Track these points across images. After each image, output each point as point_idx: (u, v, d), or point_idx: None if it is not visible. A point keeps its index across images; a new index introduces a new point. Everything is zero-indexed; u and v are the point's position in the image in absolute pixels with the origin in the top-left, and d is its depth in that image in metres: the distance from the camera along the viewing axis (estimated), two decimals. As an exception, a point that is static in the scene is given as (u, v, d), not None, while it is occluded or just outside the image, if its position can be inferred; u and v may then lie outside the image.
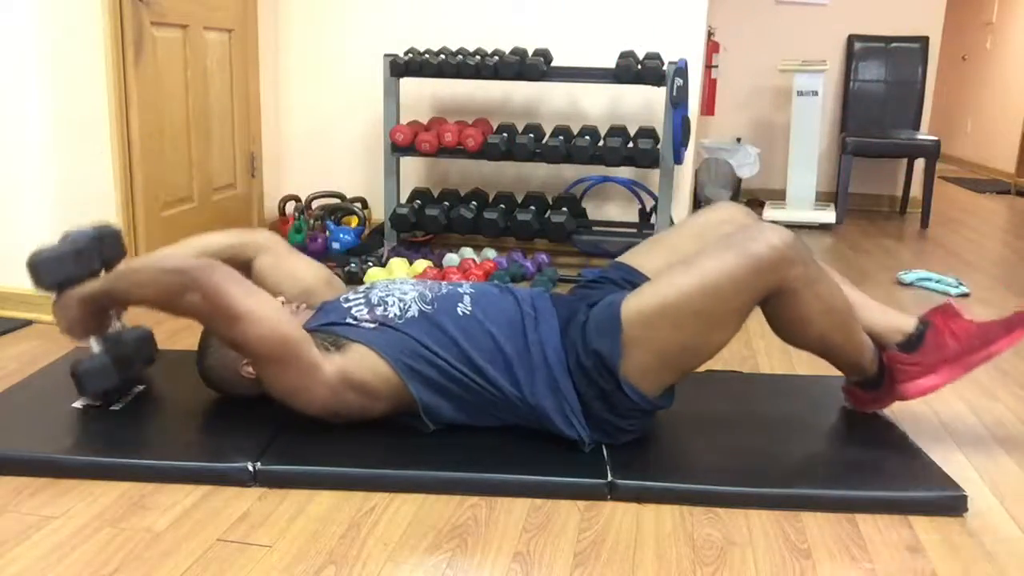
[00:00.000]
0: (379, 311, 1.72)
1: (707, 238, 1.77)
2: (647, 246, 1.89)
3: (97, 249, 1.80)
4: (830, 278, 1.68)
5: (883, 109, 4.97)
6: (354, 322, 1.71)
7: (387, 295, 1.76)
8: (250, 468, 1.59)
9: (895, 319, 1.81)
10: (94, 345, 1.78)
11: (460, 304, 1.73)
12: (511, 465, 1.62)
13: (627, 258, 1.88)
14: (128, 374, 1.84)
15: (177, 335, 2.42)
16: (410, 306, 1.73)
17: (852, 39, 4.97)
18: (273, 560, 1.37)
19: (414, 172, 3.76)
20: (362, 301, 1.76)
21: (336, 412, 1.69)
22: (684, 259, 1.64)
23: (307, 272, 1.92)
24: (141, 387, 1.94)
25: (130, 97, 2.70)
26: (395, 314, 1.71)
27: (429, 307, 1.72)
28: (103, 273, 1.81)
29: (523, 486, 1.59)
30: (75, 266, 1.73)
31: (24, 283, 2.48)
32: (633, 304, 1.62)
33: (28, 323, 2.47)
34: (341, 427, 1.72)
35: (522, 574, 1.35)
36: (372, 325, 1.70)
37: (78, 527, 1.44)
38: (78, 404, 1.83)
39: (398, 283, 1.82)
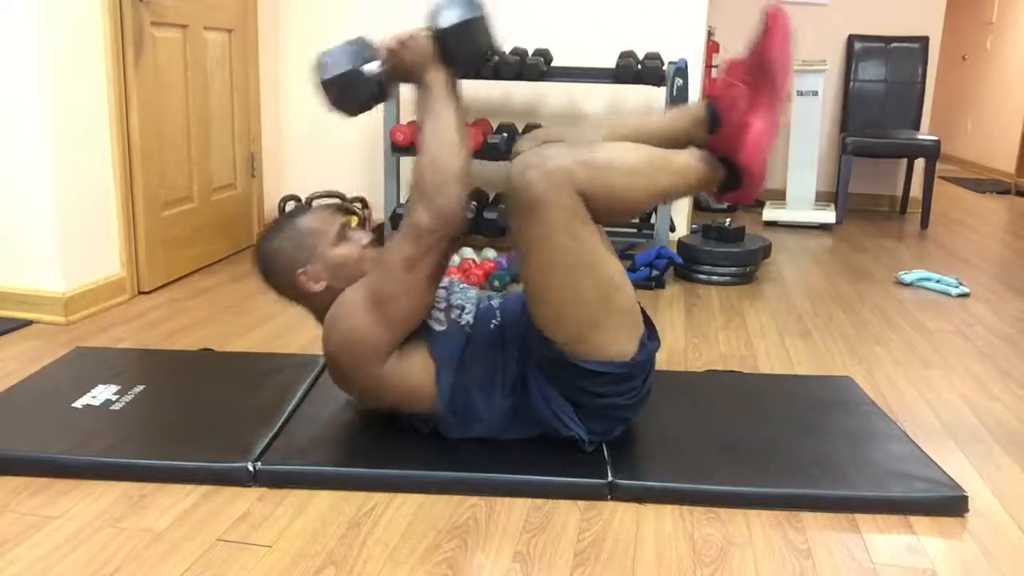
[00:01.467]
0: (454, 314, 1.70)
1: None
2: None
3: (480, 44, 1.65)
4: (611, 149, 1.59)
5: (883, 109, 4.97)
6: (427, 318, 1.68)
7: (465, 302, 1.74)
8: (250, 468, 1.59)
9: (688, 115, 1.71)
10: (378, 65, 1.64)
11: (494, 320, 1.72)
12: (511, 465, 1.62)
13: None
14: (366, 98, 1.67)
15: (176, 335, 2.42)
16: (470, 320, 1.71)
17: (852, 39, 4.97)
18: (273, 560, 1.37)
19: (414, 172, 3.76)
20: (443, 296, 1.73)
21: (344, 381, 1.67)
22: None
23: None
24: (141, 387, 1.94)
25: (130, 97, 2.70)
26: (467, 322, 1.70)
27: (474, 322, 1.71)
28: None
29: (523, 486, 1.59)
30: (467, 37, 1.61)
31: (24, 283, 2.50)
32: (528, 301, 1.62)
33: (28, 323, 2.47)
34: (341, 427, 1.72)
35: (522, 574, 1.35)
36: (442, 326, 1.68)
37: (78, 527, 1.44)
38: (78, 404, 1.83)
39: (465, 290, 1.80)
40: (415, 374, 1.64)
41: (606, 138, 1.68)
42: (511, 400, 1.67)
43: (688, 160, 1.62)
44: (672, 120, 1.73)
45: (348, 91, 1.63)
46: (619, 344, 1.61)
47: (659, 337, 1.73)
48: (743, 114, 1.60)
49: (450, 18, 1.61)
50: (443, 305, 1.70)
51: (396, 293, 1.57)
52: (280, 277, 1.70)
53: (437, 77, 1.62)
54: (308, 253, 1.67)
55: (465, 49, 1.63)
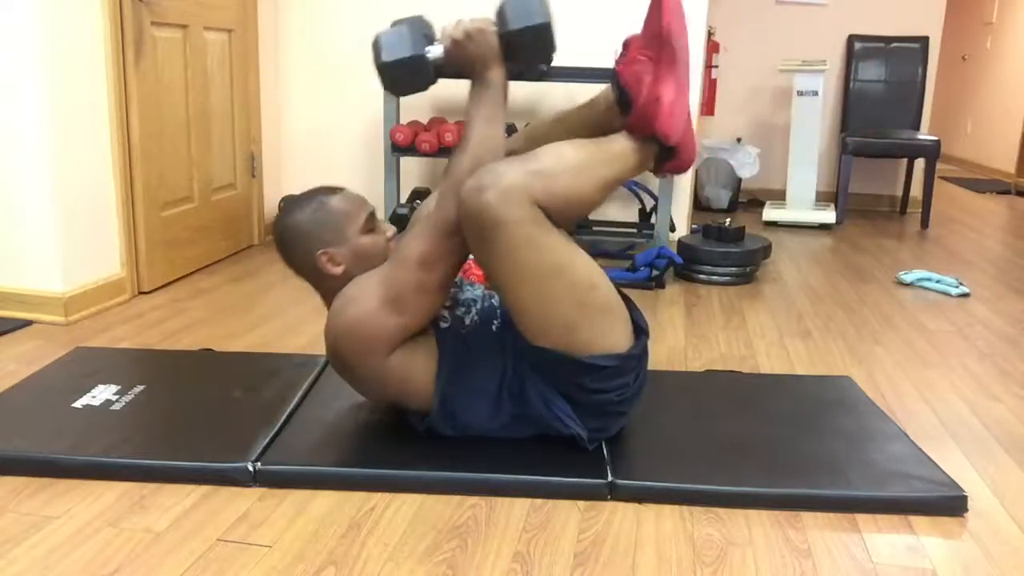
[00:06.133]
0: (459, 311, 1.69)
1: None
2: None
3: (545, 51, 1.63)
4: (552, 152, 1.56)
5: (883, 109, 4.97)
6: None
7: (473, 299, 1.73)
8: (250, 468, 1.59)
9: (601, 101, 1.70)
10: (440, 51, 1.64)
11: (495, 320, 1.71)
12: (511, 465, 1.62)
13: None
14: (421, 82, 1.67)
15: (177, 335, 2.42)
16: (475, 319, 1.70)
17: (852, 39, 4.97)
18: (273, 560, 1.37)
19: (414, 172, 3.76)
20: (453, 292, 1.72)
21: (344, 369, 1.65)
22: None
23: None
24: (141, 387, 1.94)
25: (130, 97, 2.70)
26: (470, 321, 1.69)
27: (479, 320, 1.70)
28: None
29: (523, 486, 1.59)
30: (532, 31, 1.58)
31: (24, 283, 2.50)
32: (510, 314, 1.61)
33: (28, 323, 2.47)
34: (341, 427, 1.72)
35: (522, 574, 1.35)
36: (447, 323, 1.67)
37: (78, 527, 1.44)
38: (78, 404, 1.83)
39: (473, 287, 1.79)
40: (417, 371, 1.63)
41: (530, 141, 1.67)
42: (509, 401, 1.67)
43: (624, 144, 1.63)
44: (587, 110, 1.73)
45: (405, 75, 1.62)
46: (608, 338, 1.60)
47: (647, 328, 1.71)
48: (651, 88, 1.60)
49: (522, 20, 1.58)
50: (450, 303, 1.70)
51: (409, 289, 1.56)
52: (300, 254, 1.68)
53: (497, 76, 1.60)
54: (334, 235, 1.66)
55: (530, 54, 1.60)
